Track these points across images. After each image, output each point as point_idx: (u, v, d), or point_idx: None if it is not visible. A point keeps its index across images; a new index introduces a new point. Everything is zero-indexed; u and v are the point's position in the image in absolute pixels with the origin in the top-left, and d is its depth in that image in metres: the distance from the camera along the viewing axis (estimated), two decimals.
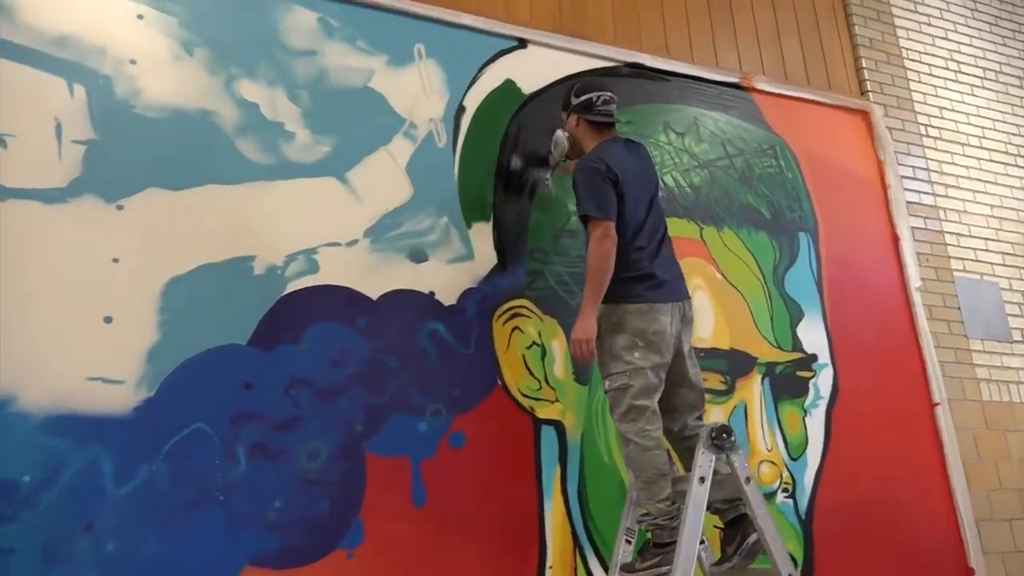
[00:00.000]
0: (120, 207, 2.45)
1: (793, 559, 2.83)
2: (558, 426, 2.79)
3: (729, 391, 3.12)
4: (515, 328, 2.84)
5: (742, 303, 3.27)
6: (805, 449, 3.19)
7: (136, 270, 2.40)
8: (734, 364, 3.17)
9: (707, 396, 2.70)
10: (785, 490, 3.10)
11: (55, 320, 2.27)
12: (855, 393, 3.36)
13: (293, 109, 2.78)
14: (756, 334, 3.26)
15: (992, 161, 4.14)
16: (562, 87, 3.24)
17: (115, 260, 2.39)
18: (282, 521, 2.35)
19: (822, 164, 3.71)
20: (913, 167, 3.90)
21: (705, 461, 2.29)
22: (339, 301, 2.63)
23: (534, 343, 2.85)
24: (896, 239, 3.71)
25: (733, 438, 2.32)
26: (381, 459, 2.52)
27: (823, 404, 3.30)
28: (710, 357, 3.12)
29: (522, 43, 3.27)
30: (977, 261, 3.85)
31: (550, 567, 2.61)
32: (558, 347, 2.88)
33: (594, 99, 2.67)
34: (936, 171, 3.95)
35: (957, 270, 3.79)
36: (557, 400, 2.82)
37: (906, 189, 3.83)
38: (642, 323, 2.38)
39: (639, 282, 2.43)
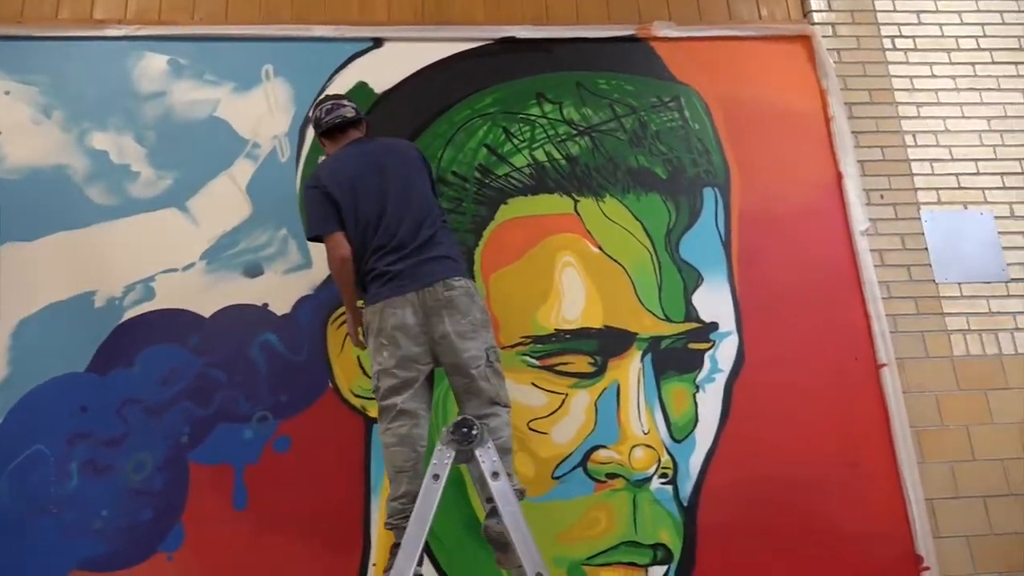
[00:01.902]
0: None
1: (668, 550, 2.64)
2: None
3: (598, 372, 2.90)
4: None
5: (622, 276, 3.02)
6: (693, 429, 2.88)
7: None
8: (607, 343, 2.93)
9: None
10: (664, 475, 2.82)
11: None
12: (766, 363, 2.95)
13: (139, 150, 3.04)
14: (638, 308, 2.99)
15: (995, 63, 3.40)
16: (417, 80, 3.23)
17: None
18: (107, 528, 2.61)
19: (743, 107, 3.29)
20: (869, 90, 3.32)
21: (441, 458, 2.18)
22: (172, 323, 2.84)
23: None
24: (840, 177, 3.19)
25: (475, 432, 2.19)
26: (204, 467, 2.70)
27: (721, 378, 2.95)
28: (578, 338, 2.93)
29: (378, 42, 3.27)
30: (961, 188, 3.19)
31: (373, 564, 2.63)
32: None
33: (320, 115, 2.65)
34: (904, 88, 3.32)
35: (928, 203, 3.17)
36: None
37: (857, 117, 3.27)
38: (380, 322, 2.33)
39: (374, 282, 2.37)
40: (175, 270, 2.90)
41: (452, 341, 2.32)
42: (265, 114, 3.13)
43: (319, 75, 3.20)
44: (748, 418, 2.88)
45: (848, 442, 2.88)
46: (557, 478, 2.77)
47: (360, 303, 2.47)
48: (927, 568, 2.74)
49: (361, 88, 3.19)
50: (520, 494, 2.30)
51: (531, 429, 2.82)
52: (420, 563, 2.16)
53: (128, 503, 2.64)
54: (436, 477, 2.18)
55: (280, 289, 2.91)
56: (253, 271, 2.93)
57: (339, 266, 2.41)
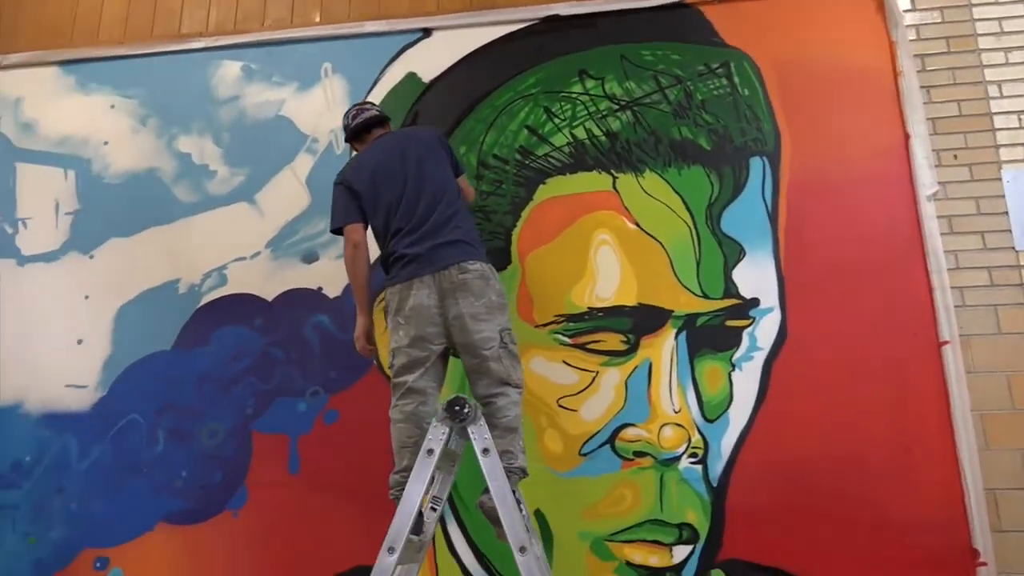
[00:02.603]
0: (91, 256, 3.31)
1: (694, 530, 2.64)
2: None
3: (631, 350, 2.89)
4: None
5: (659, 252, 2.97)
6: (727, 409, 2.79)
7: (99, 302, 3.24)
8: (640, 321, 2.91)
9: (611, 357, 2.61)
10: (693, 455, 2.77)
11: (46, 345, 3.21)
12: (810, 340, 2.79)
13: (216, 150, 3.38)
14: (675, 285, 2.93)
15: None
16: (463, 66, 3.32)
17: (86, 297, 3.25)
18: (186, 487, 2.99)
19: (800, 68, 3.08)
20: (947, 37, 2.99)
21: (435, 434, 2.31)
22: (241, 306, 3.16)
23: None
24: (906, 138, 2.92)
25: (467, 410, 2.30)
26: (265, 436, 3.00)
27: (760, 356, 2.83)
28: (611, 316, 2.93)
29: (427, 32, 3.40)
30: None
31: None
32: None
33: (346, 123, 2.81)
34: (991, 33, 2.97)
35: (1012, 161, 2.83)
36: None
37: (930, 70, 2.97)
38: (399, 302, 2.47)
39: (395, 264, 2.50)
40: (244, 258, 3.22)
41: (465, 322, 2.41)
42: (324, 110, 3.36)
43: (373, 69, 3.37)
44: (787, 398, 2.77)
45: (900, 424, 2.68)
46: (585, 455, 2.82)
47: (381, 299, 2.62)
48: (983, 563, 2.52)
49: (411, 78, 3.34)
50: (520, 472, 2.39)
51: (560, 406, 2.87)
52: (416, 532, 2.32)
53: (203, 466, 3.00)
54: (430, 452, 2.32)
55: (333, 274, 3.14)
56: (310, 258, 3.18)
57: (350, 254, 2.57)
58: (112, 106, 3.50)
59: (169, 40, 3.55)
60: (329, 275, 3.15)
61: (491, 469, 2.28)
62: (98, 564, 2.95)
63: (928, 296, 2.79)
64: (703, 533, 2.69)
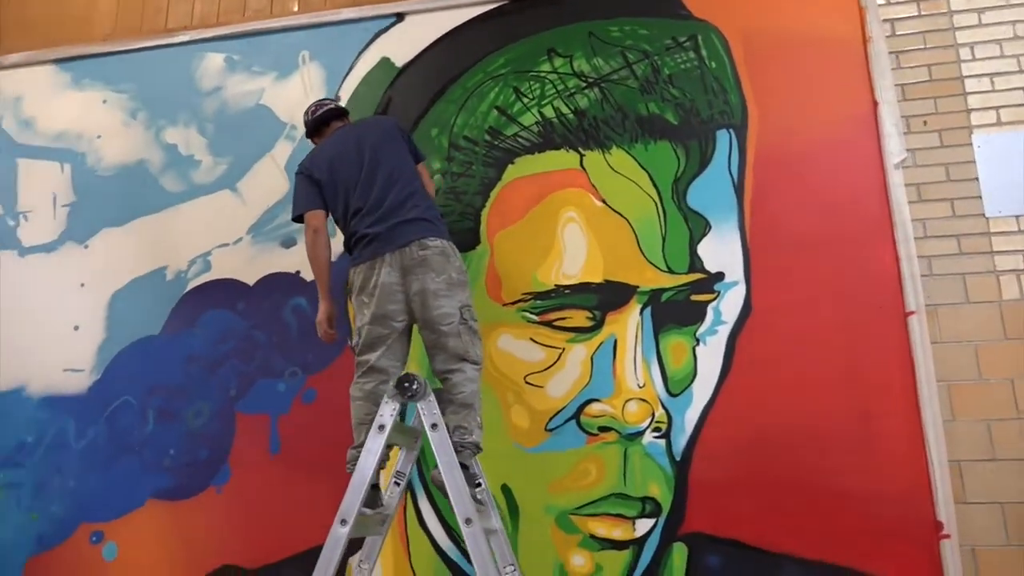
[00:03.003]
0: (86, 246, 3.45)
1: (657, 504, 2.68)
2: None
3: (596, 327, 2.91)
4: None
5: (625, 229, 2.97)
6: (691, 383, 2.79)
7: (94, 289, 3.38)
8: (606, 297, 2.92)
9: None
10: (657, 429, 2.78)
11: (46, 331, 3.37)
12: (774, 313, 2.77)
13: (201, 140, 3.48)
14: (640, 261, 2.93)
15: None
16: (435, 49, 3.36)
17: (82, 284, 3.40)
18: (174, 465, 3.12)
19: (767, 38, 3.03)
20: (917, 0, 2.92)
21: (387, 410, 2.38)
22: (224, 290, 3.27)
23: None
24: (875, 106, 2.87)
25: (416, 386, 2.36)
26: (247, 416, 3.11)
27: (724, 330, 2.82)
28: (577, 293, 2.95)
29: (400, 17, 3.44)
30: None
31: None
32: None
33: (305, 119, 2.89)
34: None
35: (983, 125, 2.75)
36: None
37: (901, 35, 2.90)
38: (362, 281, 2.54)
39: (357, 244, 2.57)
40: (227, 244, 3.32)
41: (425, 298, 2.47)
42: (302, 97, 3.42)
43: (348, 56, 3.43)
44: (751, 371, 2.76)
45: (863, 396, 2.66)
46: (550, 430, 2.86)
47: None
48: (947, 535, 2.49)
49: (385, 63, 3.39)
50: (472, 447, 2.44)
51: (527, 383, 2.91)
52: (371, 505, 2.40)
53: (189, 444, 3.13)
54: (381, 428, 2.39)
55: None
56: (288, 243, 3.27)
57: (310, 239, 2.65)
58: (104, 101, 3.63)
59: (156, 35, 3.66)
60: (306, 259, 3.21)
61: (439, 444, 2.34)
62: (94, 538, 3.11)
63: (895, 266, 2.74)
64: (666, 507, 2.72)
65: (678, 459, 2.75)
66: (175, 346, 3.25)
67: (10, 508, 3.21)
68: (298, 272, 3.23)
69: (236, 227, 3.33)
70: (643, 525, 2.72)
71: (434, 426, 2.36)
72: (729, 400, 2.76)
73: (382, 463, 2.40)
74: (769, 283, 2.83)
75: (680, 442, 2.76)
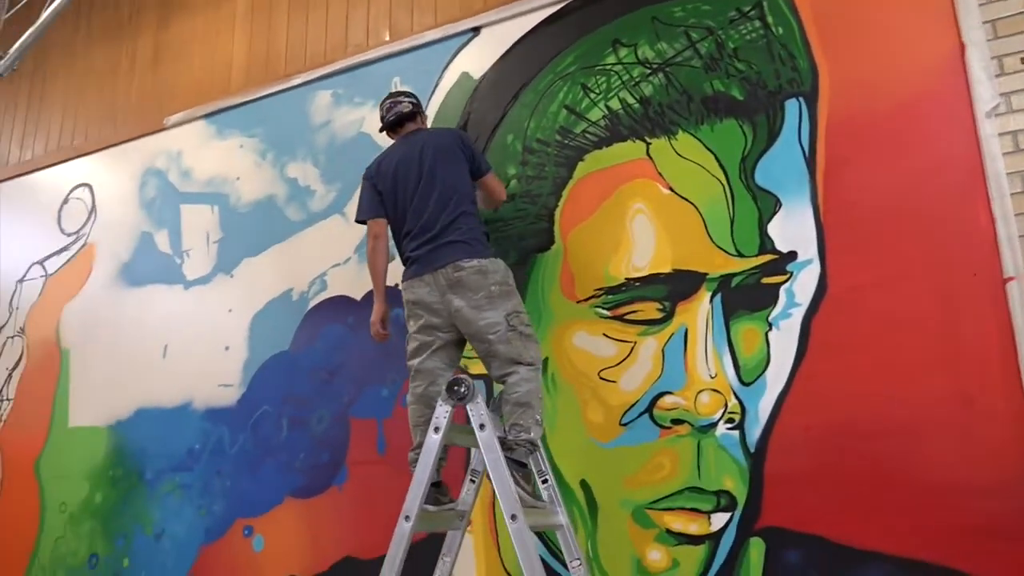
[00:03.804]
0: (232, 275, 3.95)
1: (732, 497, 2.62)
2: (486, 379, 3.15)
3: (667, 318, 2.84)
4: None
5: (693, 215, 2.87)
6: (764, 371, 2.63)
7: (239, 313, 3.86)
8: (676, 287, 2.84)
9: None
10: (730, 420, 2.66)
11: (205, 353, 3.90)
12: (853, 291, 2.54)
13: (315, 172, 3.85)
14: (709, 246, 2.81)
15: None
16: (507, 58, 3.45)
17: (230, 310, 3.90)
18: (304, 467, 3.48)
19: None
20: None
21: (441, 412, 2.52)
22: (337, 307, 3.60)
23: None
24: (962, 49, 2.53)
25: (464, 388, 2.47)
26: (359, 420, 3.40)
27: (798, 312, 2.62)
28: (647, 284, 2.90)
29: (476, 31, 3.57)
30: None
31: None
32: None
33: (381, 114, 3.06)
34: None
35: None
36: None
37: None
38: (408, 296, 2.73)
39: (406, 263, 2.77)
40: (339, 264, 3.65)
41: (465, 314, 2.62)
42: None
43: (433, 75, 3.62)
44: (828, 355, 2.57)
45: (957, 377, 2.38)
46: (624, 424, 2.85)
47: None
48: None
49: (464, 78, 3.54)
50: (527, 444, 2.51)
51: (601, 378, 2.92)
52: (430, 501, 2.56)
53: (314, 448, 3.48)
54: (437, 430, 2.53)
55: None
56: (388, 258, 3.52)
57: (371, 246, 2.88)
58: (240, 146, 4.13)
59: (277, 80, 4.09)
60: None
61: (487, 443, 2.44)
62: (246, 532, 3.55)
63: (991, 228, 2.43)
64: (741, 500, 2.61)
65: (752, 451, 2.62)
66: (301, 359, 3.62)
67: (184, 505, 3.76)
68: (396, 285, 3.45)
69: (345, 248, 3.64)
70: (719, 519, 2.63)
71: (482, 426, 2.46)
72: (806, 387, 2.59)
73: (440, 462, 2.55)
74: (846, 260, 2.61)
75: (755, 433, 2.63)
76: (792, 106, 2.81)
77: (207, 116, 4.29)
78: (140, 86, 4.68)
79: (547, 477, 2.66)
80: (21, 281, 4.81)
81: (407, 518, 2.47)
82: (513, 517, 2.33)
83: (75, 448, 4.22)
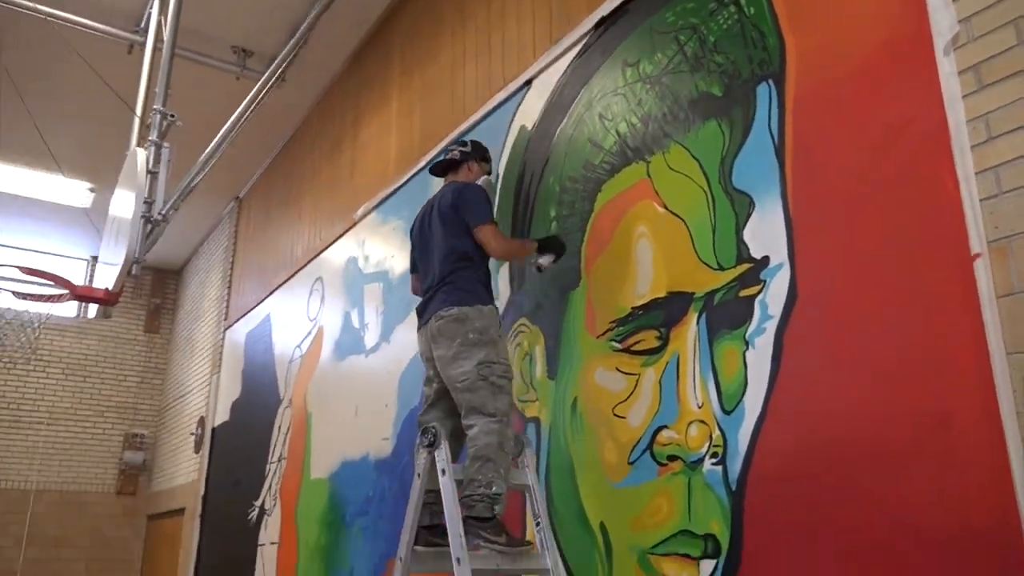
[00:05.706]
0: (389, 341, 4.51)
1: (717, 542, 2.43)
2: (536, 422, 3.18)
3: (663, 346, 2.62)
4: (518, 345, 3.39)
5: (682, 231, 2.62)
6: (742, 396, 2.27)
7: (394, 375, 4.40)
8: (669, 312, 2.61)
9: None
10: (715, 455, 2.33)
11: (375, 410, 4.49)
12: (824, 295, 2.09)
13: None
14: (696, 263, 2.54)
15: None
16: (549, 103, 3.54)
17: (389, 372, 4.45)
18: (437, 509, 3.80)
19: None
20: None
21: (418, 459, 2.69)
22: None
23: (527, 354, 3.31)
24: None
25: (429, 436, 2.63)
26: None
27: (772, 326, 2.23)
28: (648, 312, 2.72)
29: (528, 84, 3.70)
30: None
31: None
32: (539, 350, 3.24)
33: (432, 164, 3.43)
34: None
35: None
36: (536, 399, 3.20)
37: None
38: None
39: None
40: None
41: (442, 364, 2.81)
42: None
43: (501, 135, 3.82)
44: (799, 373, 2.19)
45: (933, 392, 1.87)
46: (632, 463, 2.68)
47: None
48: None
49: (522, 131, 3.67)
50: (485, 499, 2.53)
51: (614, 415, 2.79)
52: (420, 543, 2.71)
53: None
54: (418, 476, 2.71)
55: None
56: None
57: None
58: (394, 228, 4.72)
59: (410, 166, 4.62)
60: None
61: (444, 487, 2.55)
62: None
63: (956, 194, 1.88)
64: (724, 545, 2.30)
65: (734, 488, 2.31)
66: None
67: (364, 543, 4.33)
68: None
69: None
70: (707, 566, 2.35)
71: (443, 471, 2.58)
72: (780, 412, 2.22)
73: (431, 507, 2.70)
74: (814, 258, 2.21)
75: (736, 467, 2.32)
76: (763, 91, 2.48)
77: (375, 207, 4.99)
78: (345, 190, 5.60)
79: (539, 520, 2.65)
80: (291, 361, 5.98)
81: (400, 559, 2.67)
82: (458, 560, 2.41)
83: (313, 497, 5.10)
